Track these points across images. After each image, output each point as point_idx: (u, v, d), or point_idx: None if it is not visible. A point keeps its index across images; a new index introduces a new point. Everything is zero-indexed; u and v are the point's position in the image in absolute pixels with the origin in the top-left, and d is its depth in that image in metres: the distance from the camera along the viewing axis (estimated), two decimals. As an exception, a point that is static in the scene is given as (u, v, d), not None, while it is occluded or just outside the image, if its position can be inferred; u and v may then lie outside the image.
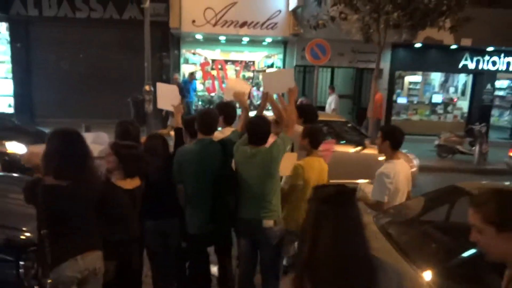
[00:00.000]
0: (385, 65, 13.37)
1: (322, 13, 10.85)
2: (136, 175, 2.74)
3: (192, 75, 12.45)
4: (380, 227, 3.11)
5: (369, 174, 4.37)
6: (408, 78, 14.74)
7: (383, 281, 1.47)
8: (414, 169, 6.62)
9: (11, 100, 13.08)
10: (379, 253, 2.72)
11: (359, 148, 7.00)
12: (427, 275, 2.43)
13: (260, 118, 3.24)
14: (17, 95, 13.01)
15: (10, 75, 13.00)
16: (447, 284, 2.43)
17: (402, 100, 14.58)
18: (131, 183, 2.78)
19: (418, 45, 12.95)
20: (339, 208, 1.46)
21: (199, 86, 13.69)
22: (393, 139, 3.32)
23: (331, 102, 11.62)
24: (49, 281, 2.25)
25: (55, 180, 2.24)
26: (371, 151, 6.67)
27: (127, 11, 12.64)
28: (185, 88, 11.93)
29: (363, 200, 3.50)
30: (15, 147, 5.93)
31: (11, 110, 12.73)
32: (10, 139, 6.28)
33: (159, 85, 3.72)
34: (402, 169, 3.36)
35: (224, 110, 3.71)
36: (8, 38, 12.83)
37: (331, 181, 3.60)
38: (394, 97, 14.33)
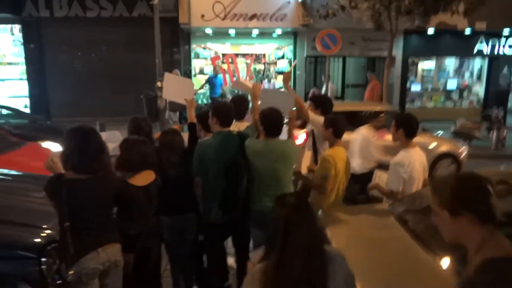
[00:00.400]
0: (398, 52, 13.18)
1: (332, 2, 10.73)
2: (141, 170, 2.77)
3: (215, 69, 12.44)
4: (396, 216, 3.10)
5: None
6: (422, 65, 14.51)
7: (332, 272, 1.69)
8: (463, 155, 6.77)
9: (27, 101, 13.31)
10: (396, 242, 2.74)
11: None
12: (445, 262, 2.42)
13: (272, 109, 3.23)
14: (33, 95, 13.23)
15: (25, 76, 13.22)
16: (464, 271, 2.41)
17: (416, 87, 14.38)
18: (145, 179, 2.81)
19: (431, 31, 12.71)
20: (305, 215, 1.69)
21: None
22: (407, 127, 3.29)
23: (326, 90, 11.48)
24: (71, 272, 2.34)
25: (74, 174, 2.36)
26: (421, 139, 6.70)
27: (136, 9, 12.71)
28: (212, 83, 11.91)
29: (378, 188, 3.50)
30: (50, 147, 6.04)
31: (27, 111, 12.95)
32: (45, 139, 6.44)
33: (168, 76, 3.71)
34: (417, 157, 3.34)
35: (236, 104, 3.71)
36: (22, 40, 13.02)
37: None
38: (408, 84, 14.13)
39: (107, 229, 2.52)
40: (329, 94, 11.08)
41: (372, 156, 4.88)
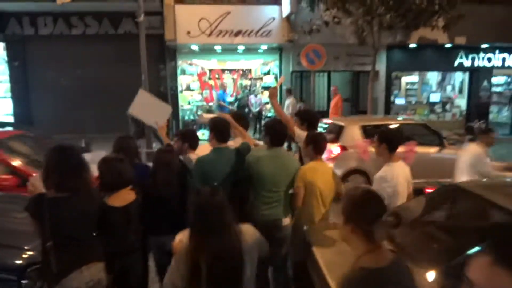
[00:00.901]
0: (381, 66, 13.43)
1: (315, 18, 10.94)
2: (119, 188, 2.74)
3: (222, 86, 12.59)
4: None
5: (450, 173, 5.23)
6: (405, 79, 14.80)
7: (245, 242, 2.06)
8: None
9: (11, 119, 13.12)
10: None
11: (438, 148, 7.27)
12: (430, 276, 2.43)
13: (275, 120, 3.51)
14: (16, 113, 13.06)
15: (9, 94, 13.07)
16: (450, 284, 2.42)
17: (400, 100, 14.62)
18: (123, 200, 2.78)
19: (413, 45, 13.01)
20: (215, 202, 2.07)
21: (197, 96, 13.78)
22: (389, 142, 3.36)
23: (288, 105, 11.63)
24: None
25: (56, 193, 2.37)
26: (450, 151, 6.98)
27: (122, 26, 12.73)
28: (223, 100, 12.40)
29: None
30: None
31: (10, 129, 12.75)
32: None
33: (143, 93, 3.58)
34: (400, 171, 3.38)
35: (235, 120, 3.79)
36: (6, 58, 12.90)
37: (415, 180, 3.59)
38: (392, 98, 14.36)
39: (90, 248, 2.50)
40: (290, 110, 11.18)
41: (488, 173, 4.81)
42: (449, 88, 15.01)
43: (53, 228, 2.33)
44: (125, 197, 2.78)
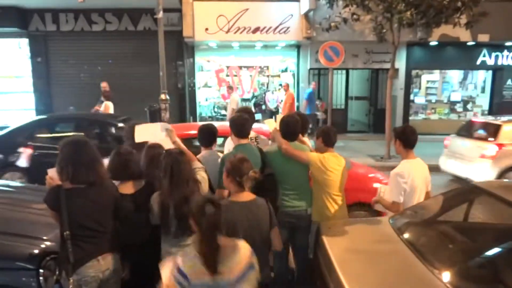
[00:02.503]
0: (401, 64, 13.21)
1: (334, 15, 10.82)
2: (122, 179, 2.82)
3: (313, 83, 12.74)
4: (396, 229, 3.07)
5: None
6: (426, 77, 14.51)
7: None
8: None
9: (33, 114, 13.44)
10: (395, 255, 2.70)
11: None
12: (445, 277, 2.39)
13: (290, 116, 3.71)
14: (38, 108, 13.37)
15: (32, 89, 13.38)
16: (466, 286, 2.37)
17: (419, 99, 14.36)
18: (132, 188, 2.84)
19: (434, 43, 12.74)
20: (182, 159, 2.79)
21: (214, 93, 13.82)
22: (404, 138, 3.36)
23: (230, 101, 11.68)
24: (71, 281, 2.40)
25: (71, 185, 2.45)
26: None
27: (141, 22, 12.88)
28: (310, 99, 12.35)
29: (380, 201, 3.51)
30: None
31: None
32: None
33: (137, 128, 3.45)
34: (418, 168, 3.37)
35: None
36: (29, 53, 13.21)
37: None
38: (411, 96, 14.13)
39: (106, 239, 2.57)
40: (233, 106, 11.15)
41: None
42: (471, 87, 14.66)
43: (70, 218, 2.41)
44: (134, 185, 2.85)
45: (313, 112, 12.32)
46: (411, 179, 3.27)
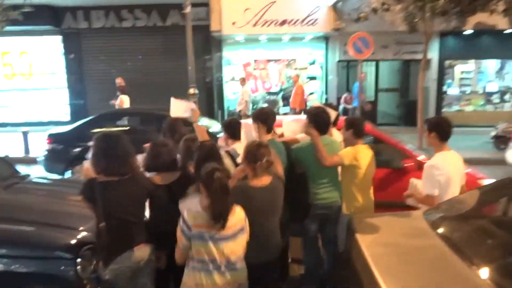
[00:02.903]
0: (433, 55, 12.81)
1: (363, 6, 10.59)
2: (156, 171, 2.89)
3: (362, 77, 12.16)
4: (431, 223, 2.98)
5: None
6: (459, 67, 14.01)
7: None
8: None
9: (67, 109, 13.89)
10: (431, 250, 2.63)
11: None
12: (484, 273, 2.30)
13: (319, 109, 3.67)
14: (72, 103, 13.80)
15: (66, 85, 13.80)
16: (505, 282, 2.28)
17: (453, 90, 13.90)
18: (166, 179, 2.91)
19: (468, 32, 12.26)
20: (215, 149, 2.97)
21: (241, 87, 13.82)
22: (440, 130, 3.28)
23: (242, 93, 11.75)
24: (107, 271, 2.49)
25: (105, 177, 2.53)
26: None
27: (169, 18, 13.03)
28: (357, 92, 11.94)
29: (413, 195, 3.44)
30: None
31: (67, 118, 13.52)
32: None
33: (173, 100, 3.73)
34: (453, 160, 3.30)
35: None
36: (63, 50, 13.62)
37: None
38: (445, 87, 13.68)
39: (141, 229, 2.67)
40: (242, 99, 11.39)
41: None
42: (508, 77, 14.04)
43: (105, 210, 2.50)
44: (169, 177, 2.91)
45: (359, 105, 11.74)
46: (446, 171, 3.19)
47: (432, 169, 3.22)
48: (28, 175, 3.94)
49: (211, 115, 12.89)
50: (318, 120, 3.53)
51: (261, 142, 2.91)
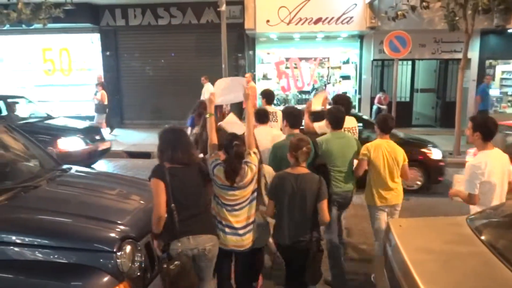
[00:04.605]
0: (474, 54, 12.32)
1: (401, 3, 10.32)
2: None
3: (487, 79, 11.75)
4: (474, 229, 2.87)
5: None
6: (501, 67, 13.43)
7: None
8: None
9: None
10: (474, 257, 2.53)
11: None
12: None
13: (336, 108, 4.06)
14: (109, 100, 14.16)
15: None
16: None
17: (493, 91, 13.31)
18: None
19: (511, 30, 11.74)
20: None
21: (274, 85, 13.80)
22: (485, 129, 3.26)
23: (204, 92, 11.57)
24: (171, 250, 2.79)
25: (170, 164, 2.86)
26: None
27: (204, 16, 13.16)
28: (483, 94, 11.51)
29: (458, 194, 3.43)
30: None
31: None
32: None
33: (219, 81, 3.69)
34: (497, 159, 3.26)
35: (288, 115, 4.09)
36: (100, 48, 14.01)
37: None
38: (485, 88, 13.14)
39: (202, 220, 2.91)
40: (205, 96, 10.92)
41: None
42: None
43: (169, 193, 2.78)
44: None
45: (486, 108, 11.23)
46: (488, 170, 3.18)
47: (474, 168, 3.22)
48: (70, 168, 4.05)
49: (243, 113, 12.95)
50: (332, 118, 3.96)
51: (301, 136, 3.22)
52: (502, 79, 13.52)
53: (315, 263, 3.08)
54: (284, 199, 3.01)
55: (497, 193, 3.21)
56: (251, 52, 13.53)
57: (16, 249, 2.64)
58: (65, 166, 4.09)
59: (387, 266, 2.99)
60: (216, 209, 3.05)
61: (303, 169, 3.07)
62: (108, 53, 13.95)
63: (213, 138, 3.13)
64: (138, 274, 2.76)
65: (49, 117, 8.91)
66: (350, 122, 4.43)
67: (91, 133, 8.47)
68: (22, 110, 8.93)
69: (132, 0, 13.01)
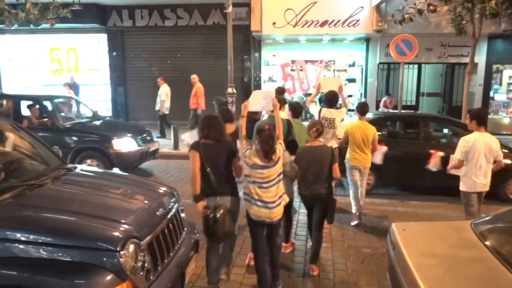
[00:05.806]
0: (480, 58, 12.26)
1: (408, 7, 10.30)
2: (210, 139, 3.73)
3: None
4: (479, 233, 2.86)
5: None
6: (508, 72, 13.34)
7: None
8: None
9: (109, 104, 14.36)
10: (479, 263, 2.51)
11: None
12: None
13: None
14: (114, 99, 14.25)
15: (109, 81, 14.27)
16: None
17: (500, 96, 13.23)
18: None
19: (520, 35, 11.66)
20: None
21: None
22: (479, 118, 4.36)
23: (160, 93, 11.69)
24: (206, 204, 3.59)
25: (206, 140, 3.65)
26: None
27: (211, 17, 13.20)
28: None
29: (451, 165, 4.46)
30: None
31: (109, 114, 13.99)
32: None
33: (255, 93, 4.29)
34: (482, 138, 4.27)
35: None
36: (107, 48, 14.09)
37: None
38: (491, 93, 13.07)
39: (227, 183, 3.68)
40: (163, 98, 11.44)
41: None
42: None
43: (203, 162, 3.57)
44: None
45: None
46: (472, 143, 4.23)
47: (463, 141, 4.31)
48: (75, 167, 4.07)
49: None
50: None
51: (316, 121, 4.58)
52: (509, 83, 13.42)
53: (331, 208, 4.17)
54: (307, 163, 4.14)
55: (482, 165, 4.24)
56: (257, 54, 13.55)
57: (20, 246, 2.64)
58: (70, 165, 4.11)
59: (390, 270, 2.98)
60: (249, 187, 3.59)
61: (318, 142, 4.29)
62: (114, 53, 14.03)
63: (244, 132, 3.86)
64: (141, 273, 2.76)
65: (98, 117, 8.84)
66: (331, 113, 5.59)
67: (142, 133, 8.32)
68: (71, 111, 8.83)
69: (139, 1, 13.08)
